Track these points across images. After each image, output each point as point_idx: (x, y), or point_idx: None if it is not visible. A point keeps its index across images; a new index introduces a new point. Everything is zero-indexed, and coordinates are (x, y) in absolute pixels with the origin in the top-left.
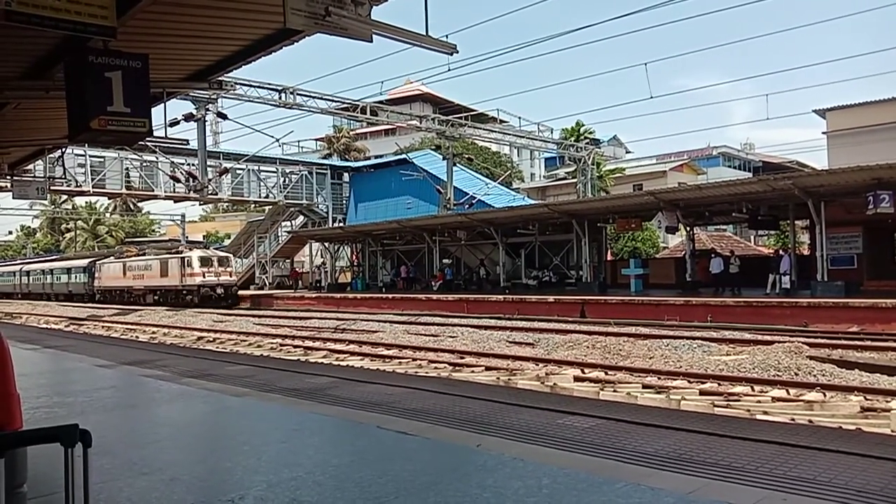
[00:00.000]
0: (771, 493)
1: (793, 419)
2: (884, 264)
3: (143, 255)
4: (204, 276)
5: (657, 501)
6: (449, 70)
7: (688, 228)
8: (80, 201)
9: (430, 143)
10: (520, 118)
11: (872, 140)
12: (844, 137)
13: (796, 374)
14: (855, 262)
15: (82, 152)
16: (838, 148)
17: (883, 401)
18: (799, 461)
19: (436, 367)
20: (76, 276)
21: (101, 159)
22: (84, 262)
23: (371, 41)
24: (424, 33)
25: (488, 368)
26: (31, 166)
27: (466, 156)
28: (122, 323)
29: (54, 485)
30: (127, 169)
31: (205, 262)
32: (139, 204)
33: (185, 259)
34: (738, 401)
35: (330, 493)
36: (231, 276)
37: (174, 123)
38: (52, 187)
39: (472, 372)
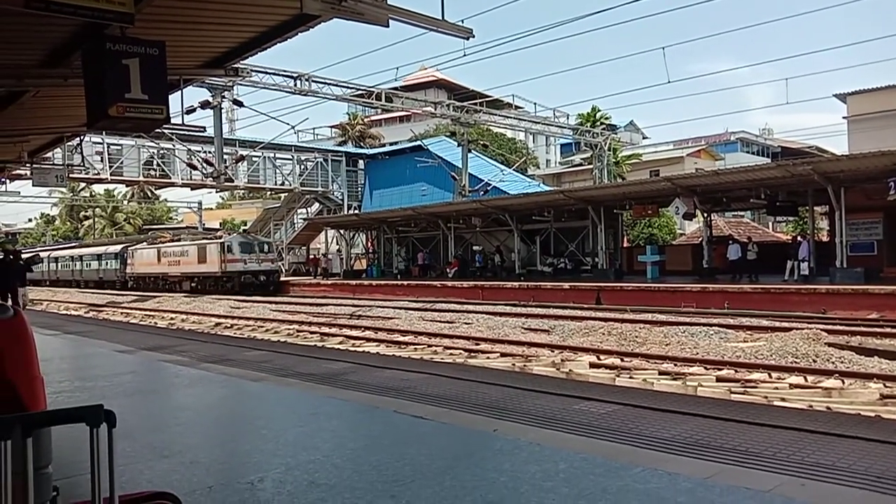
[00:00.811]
0: (789, 478)
1: (811, 406)
2: None
3: (179, 240)
4: (245, 263)
5: (674, 486)
6: (464, 55)
7: (705, 215)
8: (98, 189)
9: (445, 129)
10: (535, 104)
11: (894, 125)
12: (865, 122)
13: (814, 361)
14: (875, 249)
15: (100, 140)
16: (859, 133)
17: None
18: (817, 447)
19: (451, 354)
20: (107, 263)
21: (119, 147)
22: (116, 248)
23: (387, 26)
24: (440, 18)
25: (504, 355)
26: (49, 154)
27: (481, 142)
28: (140, 309)
29: (78, 467)
30: (150, 156)
31: (246, 247)
32: (156, 191)
33: (226, 244)
34: (756, 388)
35: (347, 475)
36: (273, 262)
37: (191, 111)
38: (70, 175)
39: (488, 358)
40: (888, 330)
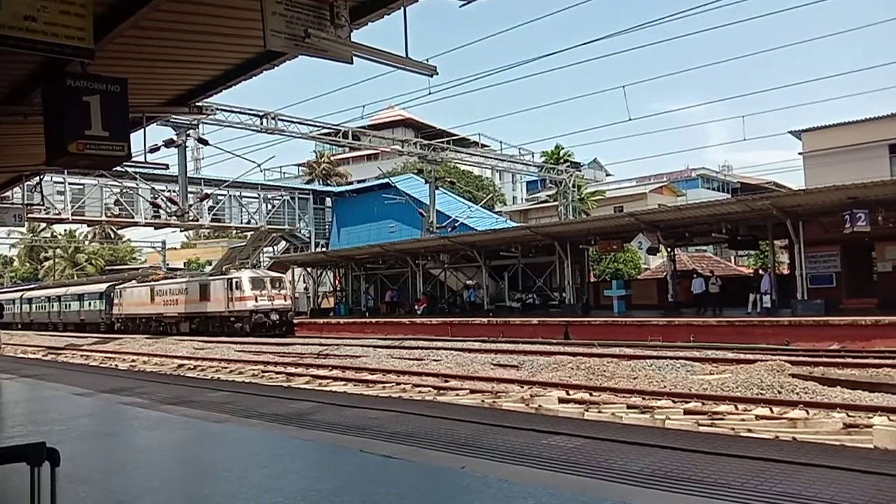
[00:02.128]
0: None
1: (777, 437)
2: (862, 282)
3: (173, 278)
4: (257, 301)
5: None
6: (430, 93)
7: (668, 249)
8: (59, 229)
9: (413, 167)
10: (501, 142)
11: (848, 160)
12: (820, 158)
13: (779, 392)
14: (834, 281)
15: (61, 179)
16: (814, 168)
17: (865, 417)
18: (783, 476)
19: (420, 391)
20: (90, 304)
21: (81, 186)
22: (101, 287)
23: (351, 63)
24: (405, 55)
25: (473, 391)
26: (8, 193)
27: (449, 179)
28: (100, 352)
29: None
30: (113, 195)
31: (257, 283)
32: (119, 231)
33: (234, 281)
34: (723, 419)
35: None
36: (286, 299)
37: (154, 149)
38: (30, 215)
39: (457, 395)
40: (849, 360)
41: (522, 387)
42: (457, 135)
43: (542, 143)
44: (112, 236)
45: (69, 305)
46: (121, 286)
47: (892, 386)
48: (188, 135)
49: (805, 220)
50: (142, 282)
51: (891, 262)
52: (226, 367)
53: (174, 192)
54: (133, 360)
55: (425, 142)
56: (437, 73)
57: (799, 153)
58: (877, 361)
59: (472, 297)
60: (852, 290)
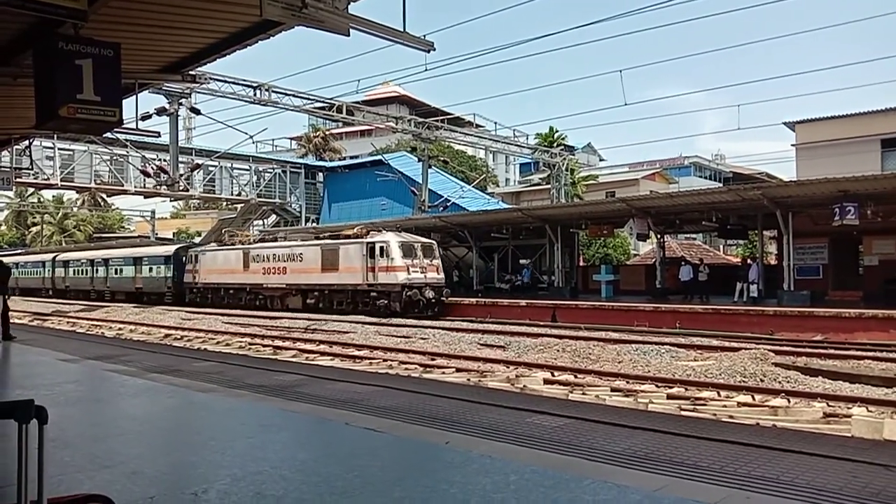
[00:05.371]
0: (735, 491)
1: (758, 423)
2: (848, 275)
3: (274, 240)
4: (409, 272)
5: (623, 498)
6: (426, 70)
7: (658, 236)
8: (47, 195)
9: (406, 145)
10: (495, 123)
11: (840, 153)
12: (813, 150)
13: (762, 381)
14: (821, 273)
15: (51, 144)
16: (806, 160)
17: (844, 407)
18: (763, 461)
19: (406, 368)
20: (153, 269)
21: (70, 152)
22: (167, 250)
23: (348, 35)
24: (402, 30)
25: (459, 370)
26: None
27: (442, 158)
28: (87, 319)
29: (9, 478)
30: (103, 161)
31: (406, 250)
32: (108, 199)
33: (379, 246)
34: (705, 405)
35: (295, 487)
36: (439, 272)
37: (146, 117)
38: (18, 179)
39: (443, 373)
40: (832, 351)
41: (508, 367)
42: (451, 114)
43: (536, 125)
44: (101, 204)
45: (121, 271)
46: (198, 249)
47: (872, 377)
48: (180, 104)
49: (795, 211)
50: (225, 245)
51: (877, 256)
52: (213, 339)
53: (165, 161)
54: (119, 329)
55: (420, 119)
56: (435, 49)
57: (792, 144)
58: (859, 353)
59: (527, 277)
60: (838, 283)
